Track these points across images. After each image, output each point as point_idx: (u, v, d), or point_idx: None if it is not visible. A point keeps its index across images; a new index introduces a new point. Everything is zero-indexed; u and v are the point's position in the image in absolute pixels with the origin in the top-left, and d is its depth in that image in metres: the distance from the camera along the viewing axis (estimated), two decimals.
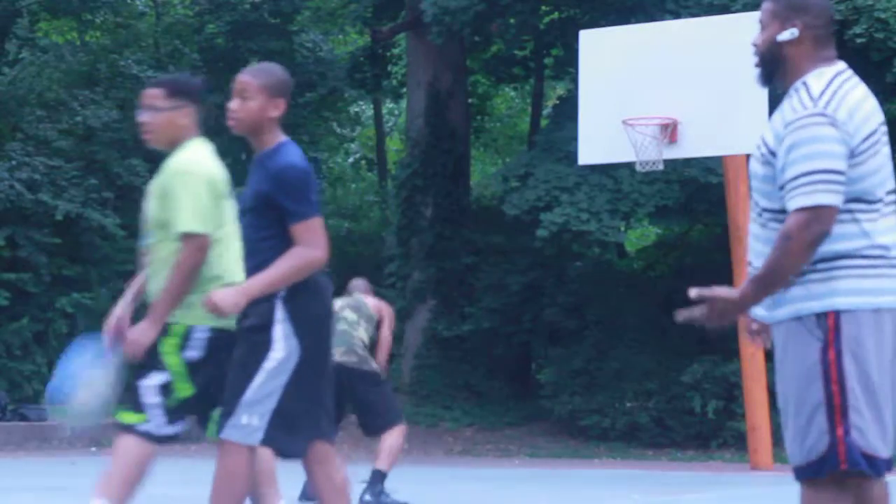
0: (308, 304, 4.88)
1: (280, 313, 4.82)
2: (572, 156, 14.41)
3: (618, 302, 18.19)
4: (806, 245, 3.85)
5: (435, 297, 19.90)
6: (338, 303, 9.74)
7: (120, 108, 20.53)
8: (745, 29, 12.51)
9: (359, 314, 9.60)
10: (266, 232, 4.88)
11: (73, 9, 23.05)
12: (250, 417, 4.81)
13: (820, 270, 3.91)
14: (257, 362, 4.81)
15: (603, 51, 13.09)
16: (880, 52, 15.30)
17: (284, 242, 4.83)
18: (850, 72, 4.03)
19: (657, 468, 14.15)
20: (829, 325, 3.85)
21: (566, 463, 14.87)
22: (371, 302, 9.72)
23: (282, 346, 4.82)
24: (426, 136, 20.23)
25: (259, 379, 4.81)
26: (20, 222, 18.10)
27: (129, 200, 19.61)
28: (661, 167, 12.92)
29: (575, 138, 13.44)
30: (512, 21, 18.62)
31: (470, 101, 22.46)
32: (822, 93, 3.93)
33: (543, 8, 18.82)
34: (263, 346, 4.81)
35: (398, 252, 20.47)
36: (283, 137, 5.01)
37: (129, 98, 20.84)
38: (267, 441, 4.87)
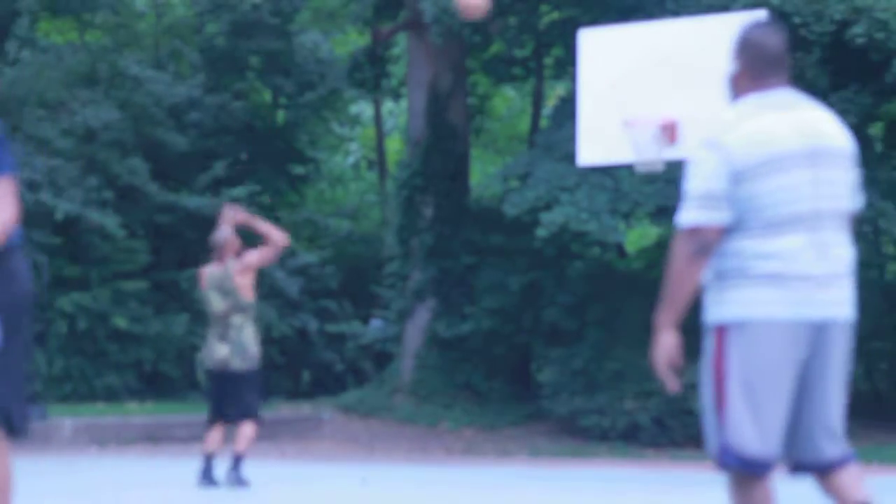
0: (7, 288, 4.65)
1: None
2: (572, 156, 14.39)
3: (618, 302, 18.16)
4: (682, 260, 4.10)
5: (435, 297, 19.89)
6: (208, 276, 9.82)
7: (120, 108, 20.53)
8: None
9: (230, 301, 9.70)
10: None
11: (73, 9, 23.04)
12: None
13: (717, 285, 4.15)
14: None
15: (603, 51, 13.07)
16: (880, 53, 15.29)
17: None
18: (775, 99, 4.18)
19: (657, 468, 14.14)
20: (719, 334, 4.03)
21: (566, 463, 14.86)
22: (239, 282, 9.74)
23: None
24: (426, 136, 20.22)
25: None
26: (20, 222, 18.07)
27: (129, 200, 19.61)
28: (661, 167, 12.90)
29: (575, 138, 13.43)
30: (512, 21, 18.61)
31: (470, 101, 22.45)
32: (724, 121, 4.14)
33: (543, 8, 18.81)
34: None
35: (398, 252, 20.46)
36: None
37: (129, 98, 20.85)
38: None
